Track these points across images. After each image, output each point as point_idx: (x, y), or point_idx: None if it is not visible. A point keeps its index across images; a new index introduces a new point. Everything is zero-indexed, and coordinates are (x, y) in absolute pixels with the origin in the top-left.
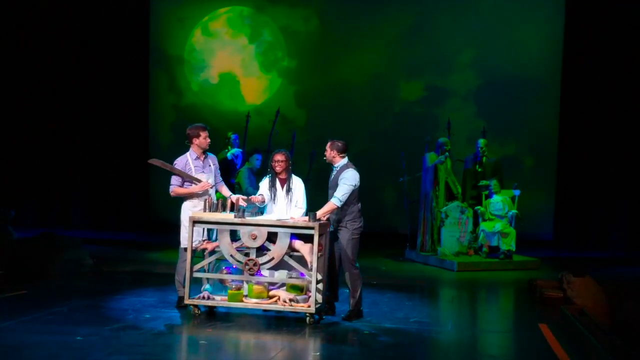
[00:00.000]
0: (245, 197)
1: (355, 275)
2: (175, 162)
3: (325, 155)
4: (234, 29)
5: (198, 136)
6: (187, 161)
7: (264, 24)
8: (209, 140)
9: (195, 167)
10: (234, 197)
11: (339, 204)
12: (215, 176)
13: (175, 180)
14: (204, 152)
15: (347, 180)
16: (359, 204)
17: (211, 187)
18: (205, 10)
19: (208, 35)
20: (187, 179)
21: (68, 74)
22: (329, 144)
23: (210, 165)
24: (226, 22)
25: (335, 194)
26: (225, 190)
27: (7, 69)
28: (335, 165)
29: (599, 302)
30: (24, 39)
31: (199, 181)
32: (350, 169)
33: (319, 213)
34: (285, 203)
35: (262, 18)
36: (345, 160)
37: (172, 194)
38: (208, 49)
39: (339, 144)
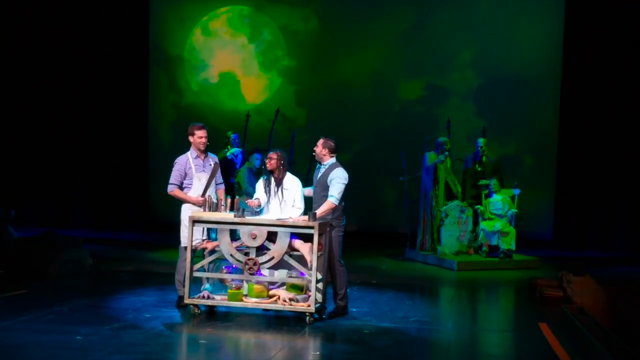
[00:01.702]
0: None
1: (342, 272)
2: (176, 160)
3: (315, 151)
4: (233, 28)
5: (192, 135)
6: (188, 160)
7: (264, 23)
8: (204, 140)
9: (196, 166)
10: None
11: (336, 203)
12: (215, 177)
13: (174, 179)
14: (204, 151)
15: (340, 179)
16: (343, 203)
17: (212, 199)
18: (205, 10)
19: (208, 34)
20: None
21: (68, 73)
22: (321, 141)
23: (210, 165)
24: (226, 22)
25: (332, 193)
26: (221, 196)
27: (7, 69)
28: (324, 164)
29: (598, 302)
30: (24, 38)
31: (199, 201)
32: (340, 168)
33: (318, 212)
34: (279, 202)
35: (261, 17)
36: (334, 159)
37: (169, 192)
38: (208, 49)
39: (332, 144)
